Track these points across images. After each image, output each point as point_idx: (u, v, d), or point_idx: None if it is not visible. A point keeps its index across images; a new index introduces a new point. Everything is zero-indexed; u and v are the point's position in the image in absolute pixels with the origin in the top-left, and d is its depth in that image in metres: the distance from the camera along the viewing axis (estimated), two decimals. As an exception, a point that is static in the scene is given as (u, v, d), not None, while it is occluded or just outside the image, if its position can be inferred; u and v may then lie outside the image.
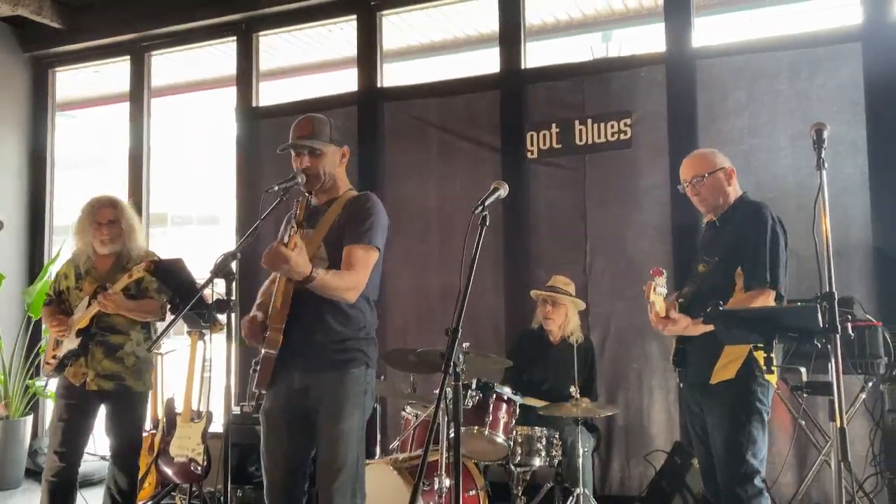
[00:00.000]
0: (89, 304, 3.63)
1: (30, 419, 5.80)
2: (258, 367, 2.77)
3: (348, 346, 2.74)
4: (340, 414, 2.68)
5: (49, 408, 5.84)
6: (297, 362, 2.71)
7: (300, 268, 2.51)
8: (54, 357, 3.71)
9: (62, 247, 5.99)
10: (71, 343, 3.66)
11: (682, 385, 3.19)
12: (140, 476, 4.37)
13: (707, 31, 4.85)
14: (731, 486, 2.87)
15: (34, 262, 6.41)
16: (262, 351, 2.75)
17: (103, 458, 5.21)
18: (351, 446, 2.68)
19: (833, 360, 2.22)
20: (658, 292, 2.93)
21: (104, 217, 3.74)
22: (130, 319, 3.73)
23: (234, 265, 2.73)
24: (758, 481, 2.87)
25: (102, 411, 3.75)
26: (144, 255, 3.80)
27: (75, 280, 3.78)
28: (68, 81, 6.96)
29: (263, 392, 2.78)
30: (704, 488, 3.18)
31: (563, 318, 4.23)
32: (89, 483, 5.26)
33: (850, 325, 3.42)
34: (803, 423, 3.99)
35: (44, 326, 3.97)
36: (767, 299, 2.87)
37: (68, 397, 3.68)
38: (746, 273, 2.92)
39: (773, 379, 2.91)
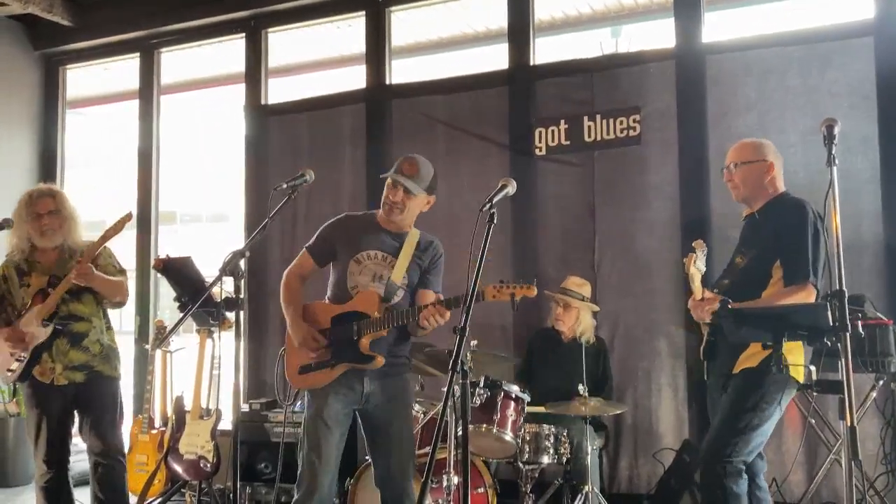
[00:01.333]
0: (46, 294, 3.46)
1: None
2: (309, 370, 3.00)
3: (398, 353, 3.08)
4: (408, 415, 3.14)
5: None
6: (367, 371, 2.97)
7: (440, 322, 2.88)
8: (18, 360, 3.50)
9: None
10: (38, 337, 3.47)
11: (708, 379, 3.14)
12: (150, 473, 4.40)
13: (717, 27, 4.81)
14: (712, 463, 2.85)
15: (45, 259, 6.43)
16: (331, 358, 2.99)
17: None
18: (412, 441, 3.16)
19: (843, 359, 2.21)
20: (697, 266, 2.88)
21: (44, 207, 3.55)
22: (91, 306, 3.59)
23: (242, 263, 2.75)
24: (737, 465, 2.82)
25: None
26: (91, 243, 3.60)
27: (18, 278, 3.59)
28: (78, 79, 6.99)
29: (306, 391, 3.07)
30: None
31: (574, 321, 4.23)
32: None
33: (860, 323, 3.40)
34: (813, 421, 3.96)
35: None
36: (808, 295, 2.81)
37: (40, 405, 3.52)
38: (786, 268, 2.86)
39: (798, 376, 2.85)
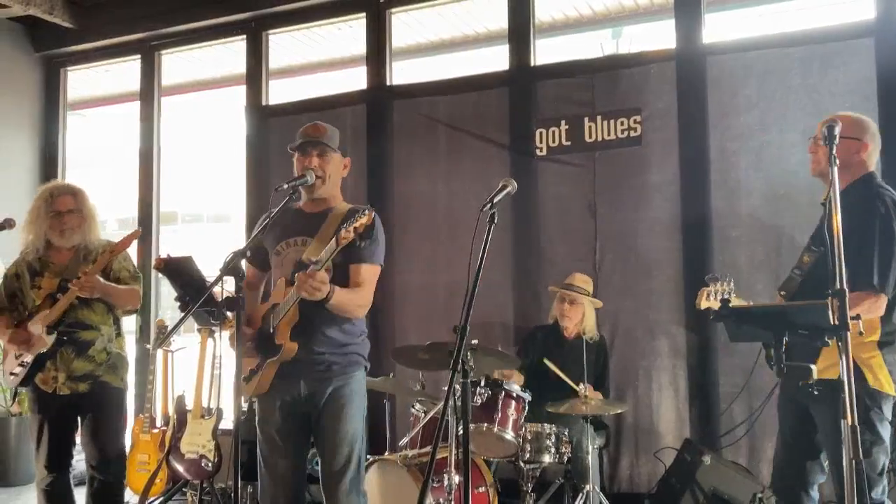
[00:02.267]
0: (55, 298, 3.38)
1: (42, 416, 5.83)
2: (252, 375, 2.82)
3: (349, 350, 2.87)
4: (346, 416, 2.80)
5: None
6: (302, 371, 2.79)
7: (324, 291, 2.60)
8: (21, 365, 3.42)
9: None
10: (42, 344, 3.38)
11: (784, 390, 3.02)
12: (151, 472, 4.41)
13: (717, 28, 4.82)
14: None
15: (46, 259, 6.44)
16: (260, 359, 2.81)
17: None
18: (354, 447, 2.82)
19: (844, 358, 2.21)
20: (714, 300, 2.77)
21: (64, 205, 3.46)
22: (102, 314, 3.50)
23: (243, 263, 2.75)
24: (877, 494, 2.68)
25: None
26: (105, 245, 3.56)
27: (30, 278, 3.49)
28: (79, 80, 7.00)
29: (254, 399, 2.87)
30: (774, 484, 3.09)
31: (580, 317, 4.24)
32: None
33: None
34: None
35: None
36: (874, 305, 2.65)
37: (42, 411, 3.45)
38: (850, 271, 2.54)
39: (890, 389, 2.71)
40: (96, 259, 3.46)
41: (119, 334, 3.61)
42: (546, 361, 4.10)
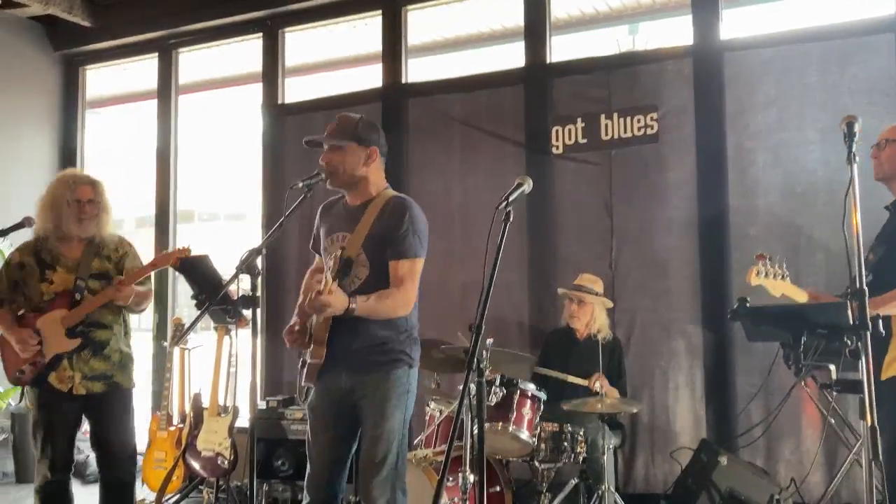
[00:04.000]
0: (74, 298, 3.35)
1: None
2: (305, 365, 2.87)
3: (390, 348, 2.83)
4: (383, 413, 2.78)
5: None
6: (343, 365, 2.80)
7: (340, 308, 2.62)
8: (33, 364, 3.35)
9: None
10: (61, 347, 3.33)
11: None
12: (168, 470, 4.44)
13: (735, 24, 4.77)
14: None
15: (65, 257, 6.50)
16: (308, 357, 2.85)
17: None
18: (392, 444, 2.78)
19: (864, 358, 2.18)
20: (765, 277, 2.73)
21: (84, 195, 3.42)
22: (114, 312, 3.47)
23: (259, 261, 2.75)
24: None
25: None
26: (118, 241, 3.56)
27: (40, 270, 3.40)
28: (97, 79, 7.05)
29: (311, 386, 2.89)
30: None
31: (589, 317, 4.21)
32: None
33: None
34: (833, 421, 3.92)
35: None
36: None
37: (52, 409, 3.37)
38: None
39: None
40: (109, 255, 3.49)
41: (127, 332, 3.59)
42: (539, 369, 4.07)
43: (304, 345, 2.84)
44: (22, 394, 3.88)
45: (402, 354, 2.86)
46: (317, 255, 3.09)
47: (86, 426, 3.57)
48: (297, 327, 2.86)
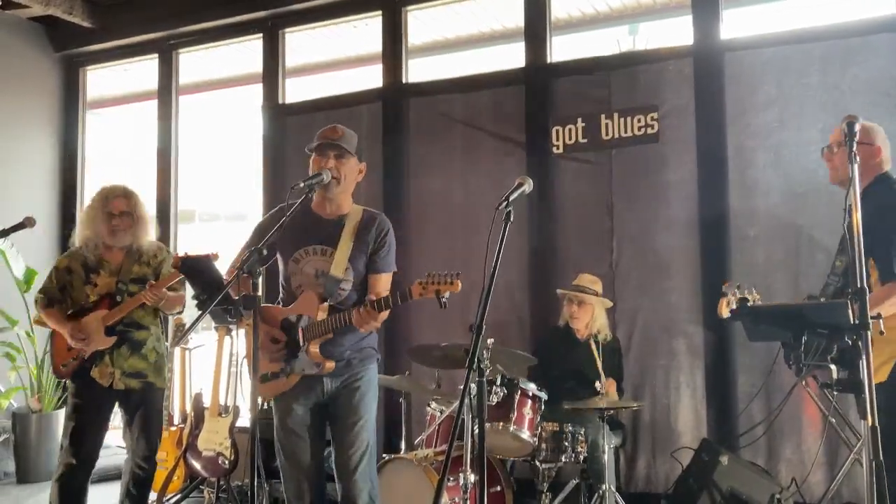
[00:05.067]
0: (114, 299, 3.59)
1: (62, 413, 5.88)
2: (274, 377, 2.92)
3: (363, 345, 3.00)
4: (361, 406, 2.93)
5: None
6: (330, 373, 2.90)
7: (376, 326, 2.79)
8: (75, 359, 3.63)
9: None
10: (101, 344, 3.59)
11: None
12: (169, 470, 4.44)
13: (735, 24, 4.77)
14: None
15: (66, 258, 6.51)
16: (284, 365, 2.91)
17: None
18: (371, 435, 2.95)
19: (864, 357, 2.18)
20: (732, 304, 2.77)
21: (116, 207, 3.67)
22: (152, 314, 3.73)
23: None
24: None
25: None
26: (156, 248, 3.80)
27: (85, 274, 3.68)
28: (98, 80, 7.05)
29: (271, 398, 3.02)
30: None
31: (590, 317, 4.21)
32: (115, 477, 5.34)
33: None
34: (833, 420, 3.92)
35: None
36: None
37: (88, 398, 3.61)
38: (879, 264, 2.65)
39: None
40: (149, 262, 3.72)
41: (165, 333, 3.88)
42: None
43: (281, 357, 2.90)
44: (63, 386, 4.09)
45: (372, 350, 3.05)
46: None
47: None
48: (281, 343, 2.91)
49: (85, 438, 3.59)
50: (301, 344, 2.86)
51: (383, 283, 2.97)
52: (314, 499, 2.94)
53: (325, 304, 2.86)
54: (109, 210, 3.65)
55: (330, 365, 2.86)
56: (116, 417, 3.94)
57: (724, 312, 2.84)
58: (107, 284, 3.64)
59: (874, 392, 2.64)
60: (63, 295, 3.71)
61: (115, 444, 5.21)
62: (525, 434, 3.71)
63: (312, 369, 2.86)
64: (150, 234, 3.81)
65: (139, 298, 3.55)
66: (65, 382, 4.15)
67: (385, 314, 2.77)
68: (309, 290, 2.90)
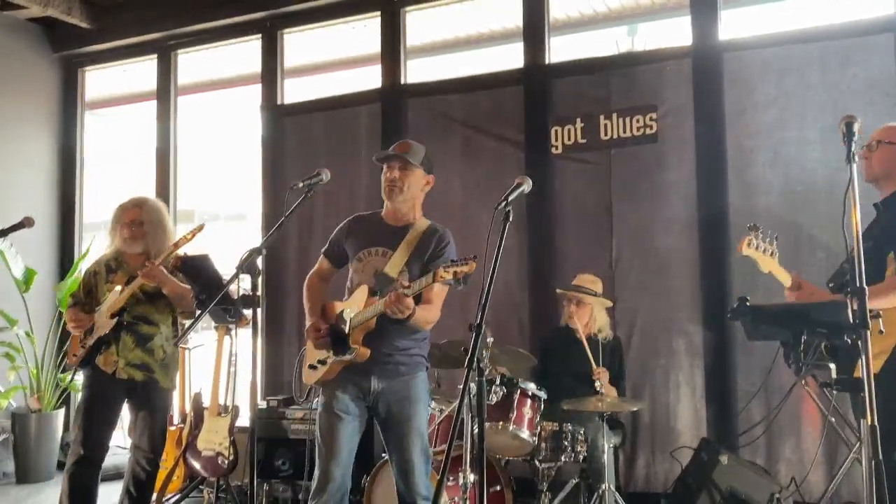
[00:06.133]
0: (122, 288, 3.71)
1: (62, 412, 5.90)
2: (320, 365, 3.03)
3: (414, 353, 3.08)
4: (416, 413, 3.04)
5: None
6: (372, 368, 2.99)
7: (407, 314, 2.79)
8: (82, 346, 3.74)
9: (91, 243, 6.09)
10: (103, 328, 3.69)
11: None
12: (168, 470, 4.44)
13: (734, 24, 4.78)
14: None
15: (65, 258, 6.51)
16: (328, 353, 3.02)
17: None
18: (426, 439, 3.08)
19: (863, 356, 2.19)
20: (756, 250, 2.77)
21: (128, 217, 3.85)
22: (163, 311, 3.79)
23: (259, 261, 2.77)
24: None
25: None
26: (176, 255, 3.85)
27: (106, 274, 3.84)
28: (97, 80, 7.05)
29: (318, 387, 3.13)
30: None
31: (588, 317, 4.21)
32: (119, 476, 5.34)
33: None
34: (833, 420, 3.93)
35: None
36: None
37: (97, 387, 3.72)
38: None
39: None
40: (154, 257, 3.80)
41: (177, 335, 3.87)
42: None
43: (325, 346, 3.01)
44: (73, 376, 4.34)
45: (422, 358, 3.12)
46: (324, 260, 3.25)
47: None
48: (322, 327, 3.04)
49: (92, 426, 3.66)
50: (346, 332, 2.95)
51: (436, 292, 2.99)
52: (341, 481, 3.00)
53: (375, 297, 2.94)
54: (124, 220, 3.85)
55: (364, 351, 2.92)
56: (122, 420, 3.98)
57: (744, 250, 2.83)
58: (121, 281, 3.78)
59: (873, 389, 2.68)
60: (88, 297, 3.86)
61: (115, 445, 5.19)
62: (525, 433, 3.71)
63: (349, 354, 2.93)
64: (169, 237, 3.91)
65: (138, 280, 3.66)
66: (66, 385, 4.18)
67: (412, 305, 2.76)
68: (363, 285, 3.02)
